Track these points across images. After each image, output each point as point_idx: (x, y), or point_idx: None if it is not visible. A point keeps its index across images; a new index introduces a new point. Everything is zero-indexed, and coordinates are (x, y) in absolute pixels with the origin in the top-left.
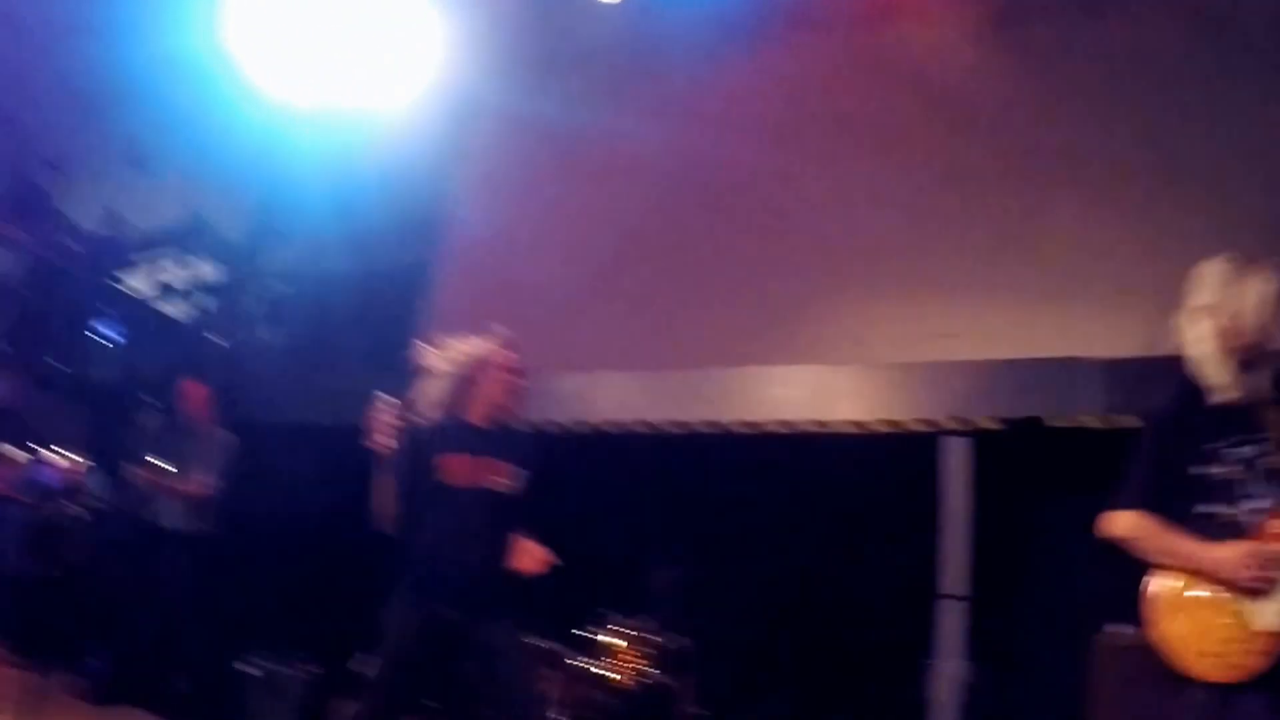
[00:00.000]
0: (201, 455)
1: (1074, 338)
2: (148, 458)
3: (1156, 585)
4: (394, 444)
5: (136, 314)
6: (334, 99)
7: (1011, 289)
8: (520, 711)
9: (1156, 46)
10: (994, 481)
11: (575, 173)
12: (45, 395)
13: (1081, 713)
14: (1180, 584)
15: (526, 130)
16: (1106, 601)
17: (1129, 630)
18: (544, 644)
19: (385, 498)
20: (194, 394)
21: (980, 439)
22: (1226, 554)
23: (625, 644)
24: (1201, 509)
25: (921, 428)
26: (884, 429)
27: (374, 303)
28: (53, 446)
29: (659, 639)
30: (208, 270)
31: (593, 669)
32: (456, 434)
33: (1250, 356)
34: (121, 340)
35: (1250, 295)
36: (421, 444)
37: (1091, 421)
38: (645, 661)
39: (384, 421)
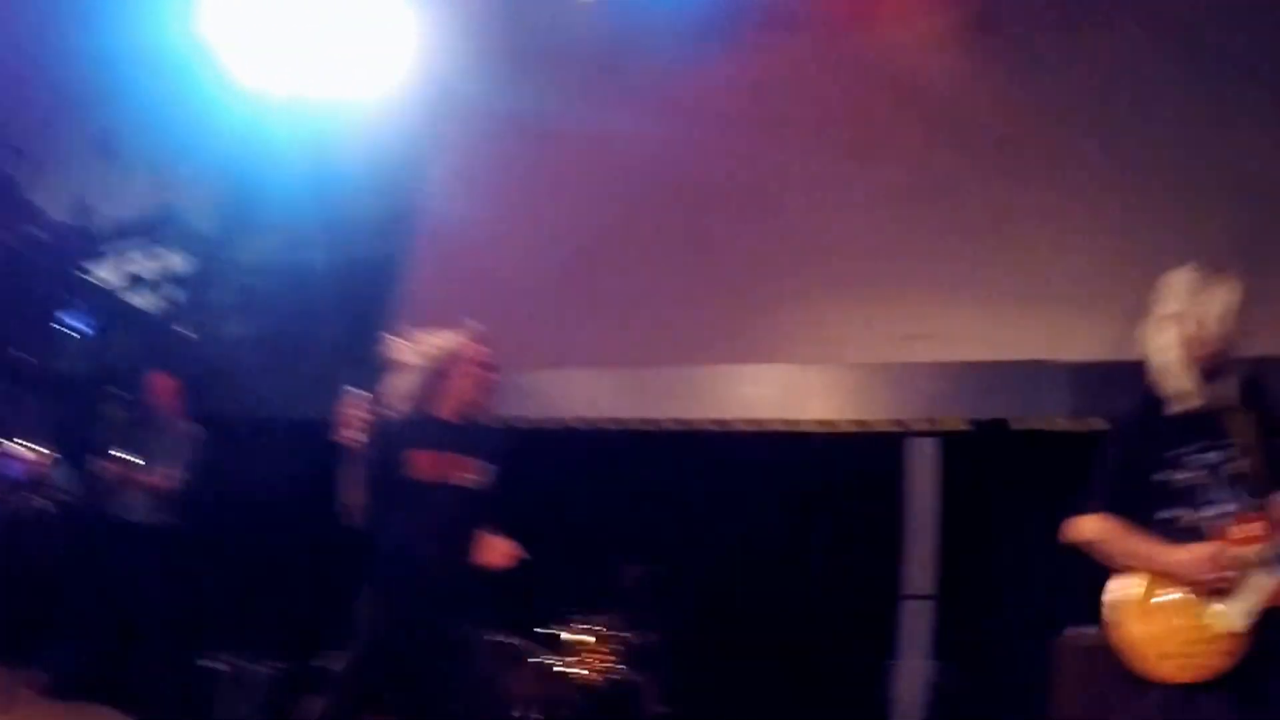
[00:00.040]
0: (168, 448)
1: (1042, 341)
2: (114, 450)
3: (1119, 588)
4: (363, 438)
5: (104, 305)
6: (308, 90)
7: (981, 291)
8: (485, 709)
9: (1129, 57)
10: (960, 482)
11: (548, 168)
12: (10, 386)
13: (1044, 713)
14: (1143, 586)
15: (500, 125)
16: (1070, 603)
17: (1092, 631)
18: (511, 641)
19: (353, 492)
20: (161, 386)
21: (947, 440)
22: (1188, 556)
23: (592, 641)
24: (1165, 514)
25: (889, 428)
26: (852, 429)
27: (345, 296)
28: (17, 438)
29: (625, 636)
30: (177, 261)
31: (559, 666)
32: (426, 429)
33: (1215, 364)
34: (89, 331)
35: (1216, 304)
36: (391, 439)
37: (1058, 424)
38: (612, 658)
39: (353, 415)
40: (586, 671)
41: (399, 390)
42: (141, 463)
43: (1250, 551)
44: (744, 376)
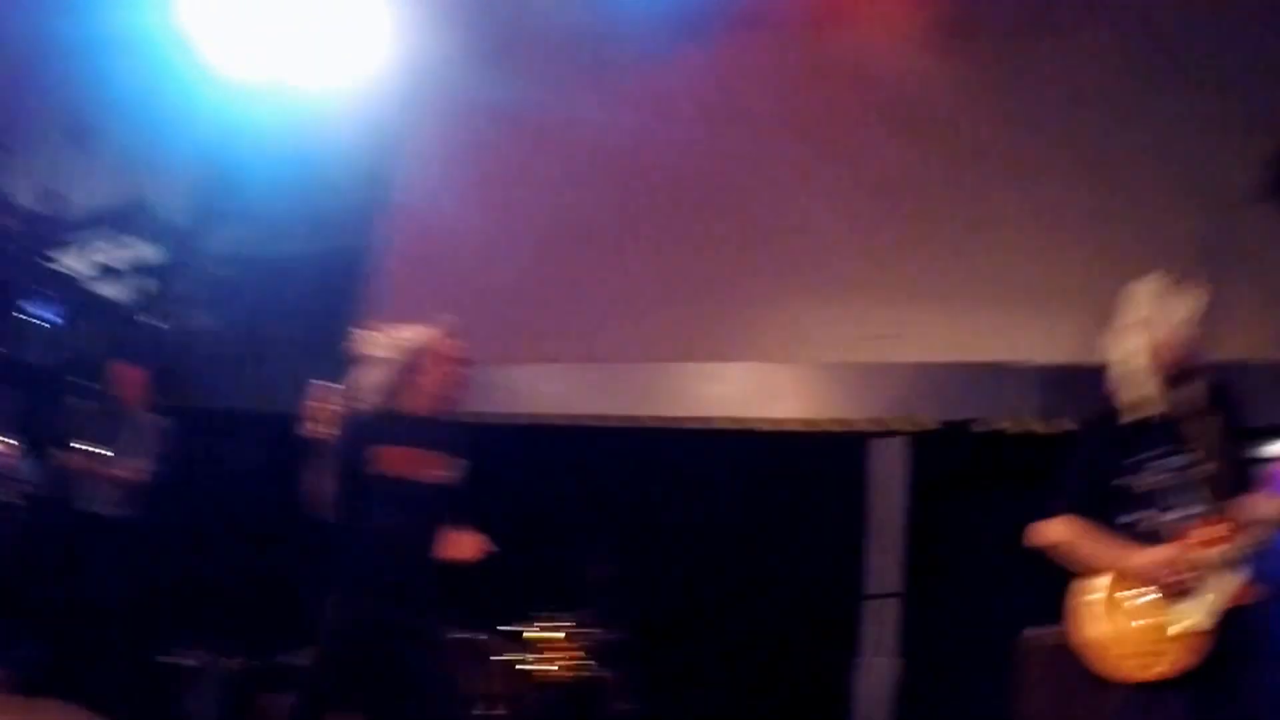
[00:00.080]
0: (134, 440)
1: (1008, 343)
2: (79, 441)
3: (1083, 589)
4: (331, 431)
5: (72, 294)
6: (283, 77)
7: (949, 293)
8: (451, 706)
9: (1098, 64)
10: (925, 482)
11: (520, 162)
12: None
13: (1008, 712)
14: (1106, 587)
15: (473, 118)
16: (1033, 602)
17: (1055, 631)
18: (477, 637)
19: (320, 486)
20: (127, 377)
21: (913, 440)
22: (1149, 559)
23: (558, 638)
24: (1129, 517)
25: (855, 427)
26: (819, 427)
27: (316, 288)
28: None
29: (591, 633)
30: (148, 251)
31: (525, 663)
32: (395, 425)
33: (1181, 371)
34: (57, 321)
35: (1181, 312)
36: (359, 433)
37: (1023, 426)
38: (577, 655)
39: (321, 409)
40: (552, 668)
41: (369, 384)
42: (108, 454)
43: (1213, 553)
44: (712, 374)
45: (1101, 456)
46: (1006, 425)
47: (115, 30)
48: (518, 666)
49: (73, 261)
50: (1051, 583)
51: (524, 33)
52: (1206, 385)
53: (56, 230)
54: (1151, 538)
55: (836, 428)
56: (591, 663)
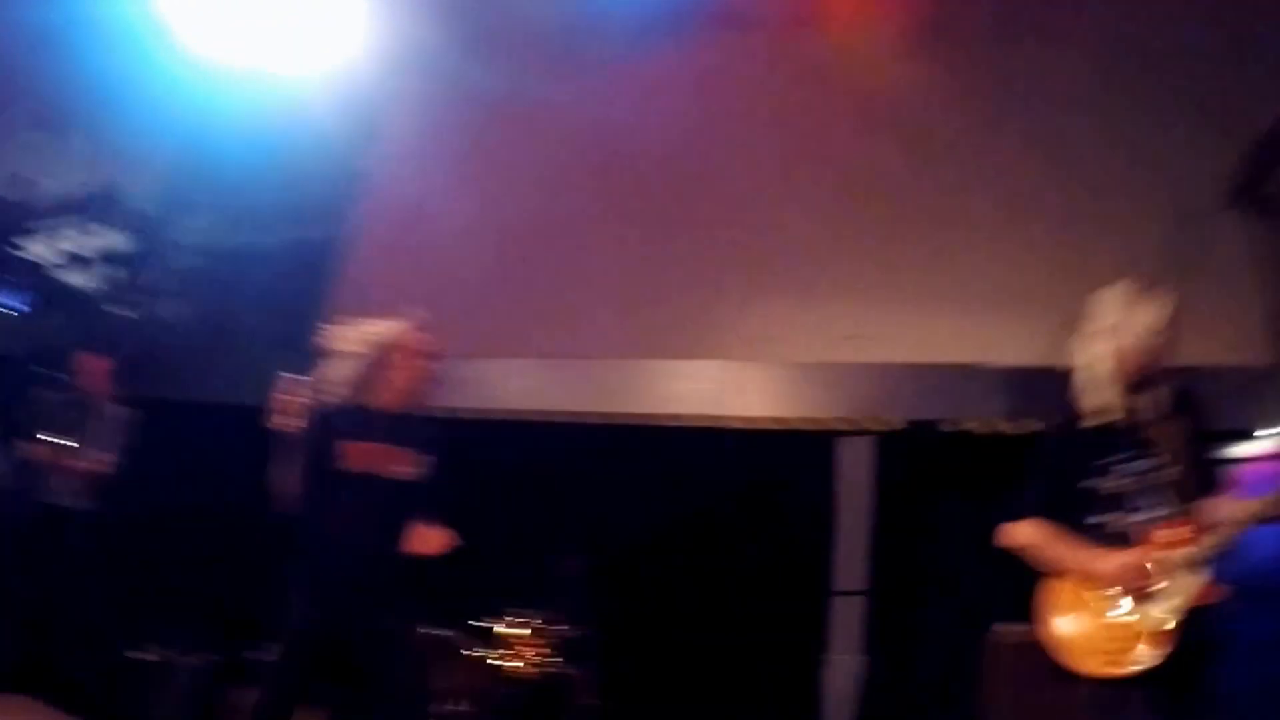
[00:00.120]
0: (101, 431)
1: (975, 345)
2: (45, 433)
3: (1050, 588)
4: (298, 424)
5: (39, 282)
6: (257, 64)
7: (917, 295)
8: (417, 701)
9: (1071, 72)
10: (893, 481)
11: (494, 157)
12: None
13: (974, 708)
14: (1073, 587)
15: (447, 113)
16: (999, 600)
17: (1020, 628)
18: (443, 634)
19: (287, 480)
20: (93, 368)
21: (880, 439)
22: (1115, 564)
23: (524, 634)
24: (1095, 519)
25: (824, 426)
26: (787, 426)
27: (285, 279)
28: None
29: (558, 629)
30: (116, 240)
31: (492, 659)
32: (362, 419)
33: (1146, 377)
34: (22, 309)
35: (1147, 320)
36: (326, 427)
37: (990, 426)
38: (544, 652)
39: (289, 401)
40: (519, 664)
41: (337, 378)
42: (73, 446)
43: (1176, 554)
44: (682, 372)
45: (1068, 460)
46: (973, 426)
47: (87, 14)
48: (485, 662)
49: (40, 249)
50: (1017, 580)
51: (501, 27)
52: (1172, 390)
53: (24, 217)
54: (1118, 539)
55: (805, 426)
56: (559, 659)
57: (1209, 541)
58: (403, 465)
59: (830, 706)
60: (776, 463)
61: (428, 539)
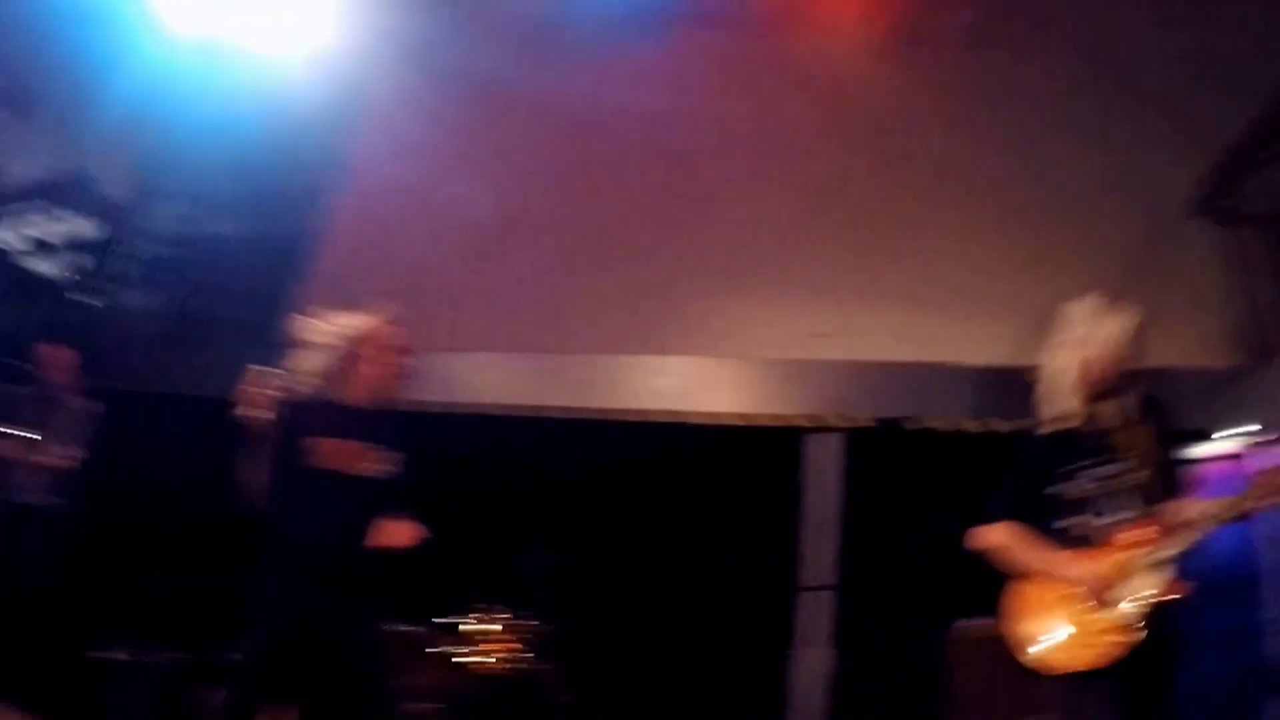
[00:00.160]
0: (64, 425)
1: (943, 344)
2: (6, 426)
3: (1018, 586)
4: (267, 417)
5: (2, 269)
6: (231, 41)
7: (886, 294)
8: (386, 699)
9: (1042, 79)
10: (859, 478)
11: (465, 151)
12: None
13: (939, 702)
14: (1040, 586)
15: (420, 104)
16: (963, 595)
17: (985, 623)
18: (412, 630)
19: (254, 474)
20: (57, 359)
21: (848, 437)
22: (1077, 564)
23: (494, 630)
24: (1063, 523)
25: (792, 423)
26: (756, 422)
27: (256, 269)
28: None
29: (528, 625)
30: (83, 226)
31: (461, 656)
32: (332, 415)
33: (1111, 386)
34: None
35: (1112, 331)
36: (295, 422)
37: (955, 425)
38: (514, 648)
39: (258, 394)
40: (489, 661)
41: (307, 371)
42: (35, 440)
43: (1140, 554)
44: (651, 367)
45: (1036, 465)
46: (939, 424)
47: None
48: (455, 659)
49: (4, 234)
50: (981, 577)
51: (481, 18)
52: (1139, 397)
53: None
54: (1084, 542)
55: (773, 423)
56: (529, 655)
57: (1172, 542)
58: (371, 463)
59: (796, 701)
60: (745, 459)
61: (396, 532)
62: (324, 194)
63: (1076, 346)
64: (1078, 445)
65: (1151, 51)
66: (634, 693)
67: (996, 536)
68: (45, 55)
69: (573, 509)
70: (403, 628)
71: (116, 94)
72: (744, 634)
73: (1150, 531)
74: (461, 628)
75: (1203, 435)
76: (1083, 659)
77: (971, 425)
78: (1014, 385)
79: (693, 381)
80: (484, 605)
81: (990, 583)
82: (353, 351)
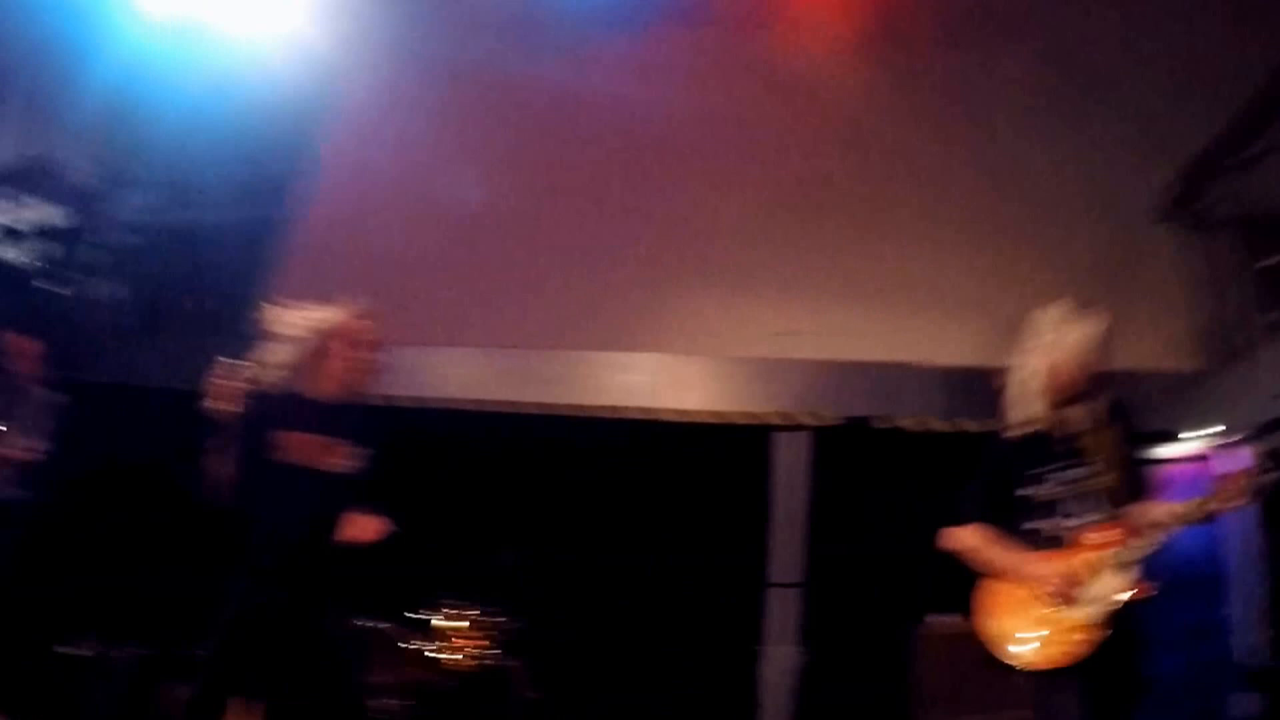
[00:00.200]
0: (28, 416)
1: (911, 344)
2: None
3: (988, 585)
4: (235, 410)
5: None
6: (202, 22)
7: (854, 293)
8: (353, 694)
9: (1013, 84)
10: (827, 475)
11: (435, 145)
12: None
13: (906, 697)
14: (1008, 586)
15: (393, 93)
16: (930, 592)
17: (952, 619)
18: (380, 626)
19: (221, 467)
20: (22, 349)
21: (815, 434)
22: (1043, 566)
23: (462, 626)
24: (1031, 524)
25: (760, 420)
26: (723, 420)
27: (225, 259)
28: None
29: (496, 621)
30: (50, 213)
31: (429, 651)
32: (299, 409)
33: (1077, 391)
34: None
35: (1079, 336)
36: (263, 416)
37: (922, 424)
38: (482, 644)
39: (226, 386)
40: (456, 657)
41: (275, 364)
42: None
43: (1106, 555)
44: (621, 364)
45: (1005, 468)
46: (906, 423)
47: None
48: (423, 655)
49: None
50: (948, 575)
51: (454, 9)
52: (1106, 401)
53: None
54: (1053, 543)
55: (743, 420)
56: (497, 651)
57: (1138, 544)
58: (339, 458)
59: (765, 696)
60: (714, 455)
61: (362, 526)
62: (296, 184)
63: (1045, 352)
64: (1046, 448)
65: (1120, 59)
66: (602, 688)
67: (966, 538)
68: (14, 39)
69: (541, 504)
70: (371, 623)
71: (88, 79)
72: (713, 630)
73: (1117, 533)
74: (430, 623)
75: (1169, 437)
76: (1051, 657)
77: (938, 424)
78: (981, 386)
79: (662, 378)
80: (452, 601)
81: (957, 581)
82: (322, 345)
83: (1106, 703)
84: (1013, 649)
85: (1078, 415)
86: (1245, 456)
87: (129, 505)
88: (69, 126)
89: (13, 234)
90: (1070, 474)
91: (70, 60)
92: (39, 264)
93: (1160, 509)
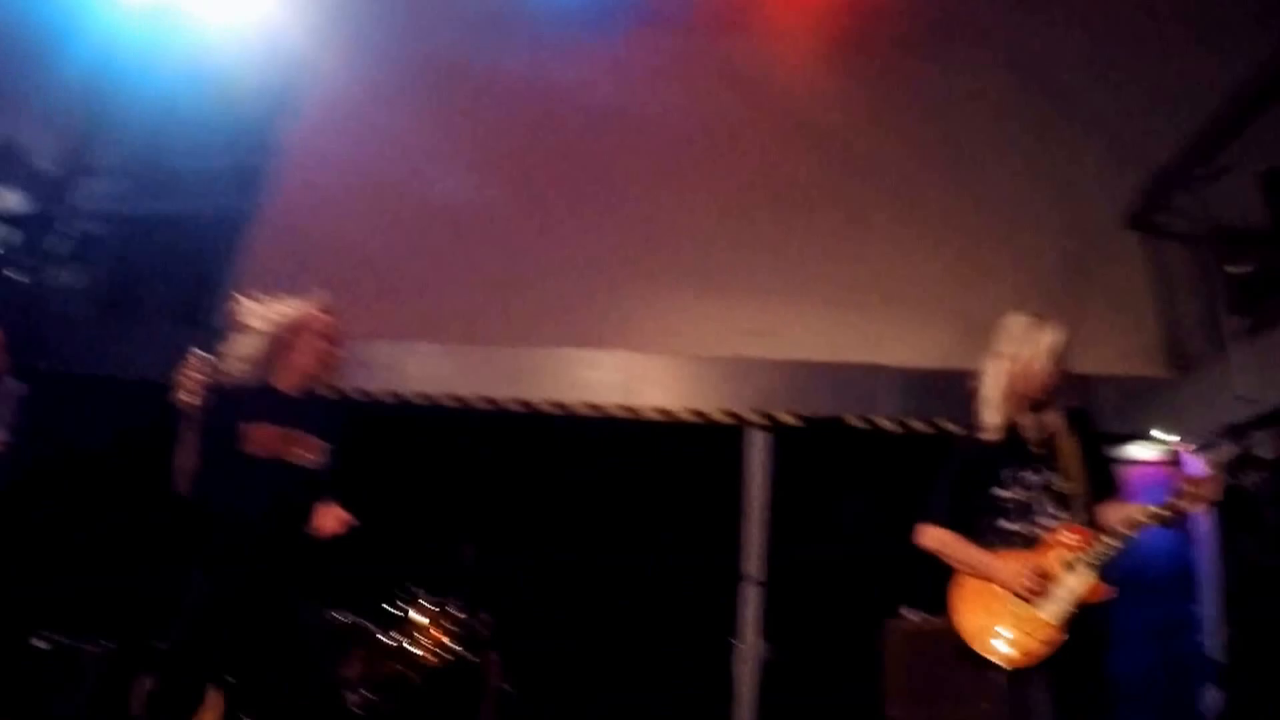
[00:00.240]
0: None
1: (876, 346)
2: None
3: (959, 583)
4: (200, 402)
5: None
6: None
7: (821, 295)
8: (319, 688)
9: (981, 91)
10: (794, 474)
11: (405, 138)
12: None
13: (872, 693)
14: (978, 584)
15: (364, 84)
16: (895, 590)
17: (919, 615)
18: (349, 620)
19: (187, 459)
20: None
21: (783, 434)
22: (1011, 565)
23: (432, 620)
24: (998, 525)
25: (727, 419)
26: (691, 418)
27: (190, 249)
28: None
29: (466, 616)
30: (12, 199)
31: (398, 645)
32: (264, 401)
33: (1043, 397)
34: None
35: (1042, 346)
36: (228, 408)
37: (888, 424)
38: (452, 638)
39: (193, 378)
40: (426, 651)
41: (240, 356)
42: None
43: (1070, 557)
44: (588, 361)
45: (971, 470)
46: (873, 423)
47: None
48: (394, 648)
49: None
50: (915, 570)
51: (429, 5)
52: (1069, 406)
53: None
54: (1020, 542)
55: (707, 419)
56: (468, 644)
57: (1101, 546)
58: (304, 451)
59: (738, 691)
60: (681, 453)
61: (325, 518)
62: (264, 174)
63: (1010, 358)
64: (1011, 452)
65: (1086, 70)
66: (575, 683)
67: (935, 537)
68: None
69: (510, 500)
70: (341, 616)
71: (59, 64)
72: (685, 626)
73: (1081, 535)
74: (399, 617)
75: (1131, 440)
76: (1025, 652)
77: (905, 426)
78: (944, 388)
79: (631, 376)
80: (421, 594)
81: (923, 578)
82: (286, 338)
83: (1074, 701)
84: (987, 644)
85: (1041, 420)
86: (1212, 459)
87: (94, 497)
88: (37, 111)
89: None
90: (1035, 478)
91: (41, 45)
92: (2, 251)
93: (1128, 510)
